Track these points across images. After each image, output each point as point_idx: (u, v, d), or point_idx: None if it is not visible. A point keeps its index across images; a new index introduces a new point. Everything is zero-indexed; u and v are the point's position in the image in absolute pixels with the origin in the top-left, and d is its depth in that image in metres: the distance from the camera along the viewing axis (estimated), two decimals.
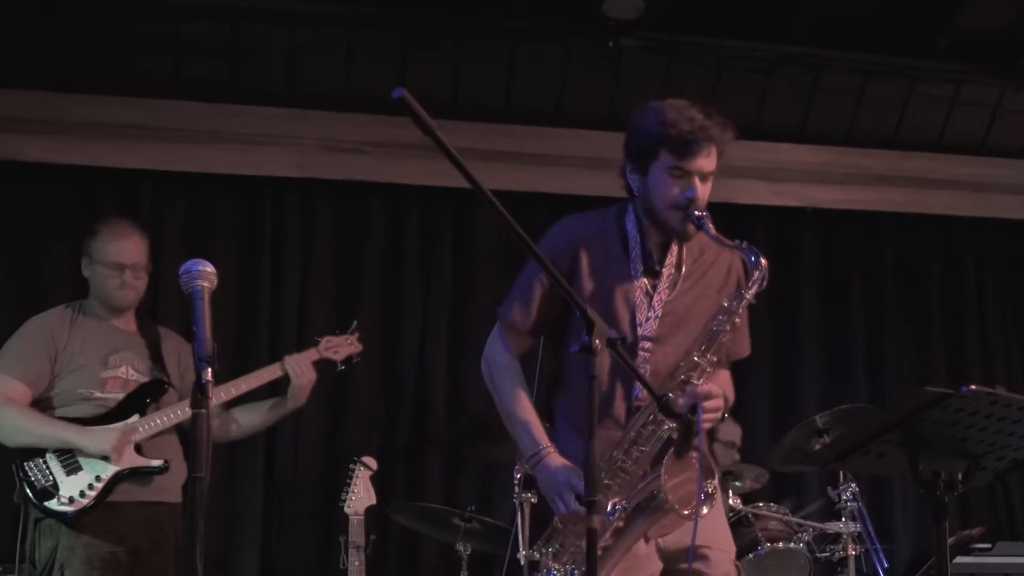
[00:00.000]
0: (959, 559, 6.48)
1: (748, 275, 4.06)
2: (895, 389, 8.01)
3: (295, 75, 7.26)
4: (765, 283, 4.03)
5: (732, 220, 7.43)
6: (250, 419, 5.78)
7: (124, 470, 5.26)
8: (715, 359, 3.99)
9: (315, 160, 7.33)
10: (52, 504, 5.13)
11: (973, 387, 3.37)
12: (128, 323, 5.62)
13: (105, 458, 5.21)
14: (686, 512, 3.82)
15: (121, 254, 5.49)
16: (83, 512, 5.15)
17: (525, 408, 4.13)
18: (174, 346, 5.67)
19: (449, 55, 7.32)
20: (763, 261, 4.01)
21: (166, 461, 5.35)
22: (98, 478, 5.20)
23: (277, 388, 5.86)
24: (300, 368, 5.67)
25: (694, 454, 3.82)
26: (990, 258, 8.39)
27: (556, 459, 3.99)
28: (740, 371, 4.42)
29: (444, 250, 7.59)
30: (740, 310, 4.02)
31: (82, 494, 5.16)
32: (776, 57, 7.59)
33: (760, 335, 4.35)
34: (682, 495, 3.83)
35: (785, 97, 7.80)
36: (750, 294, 4.02)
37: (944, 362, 8.19)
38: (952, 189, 8.17)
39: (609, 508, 3.85)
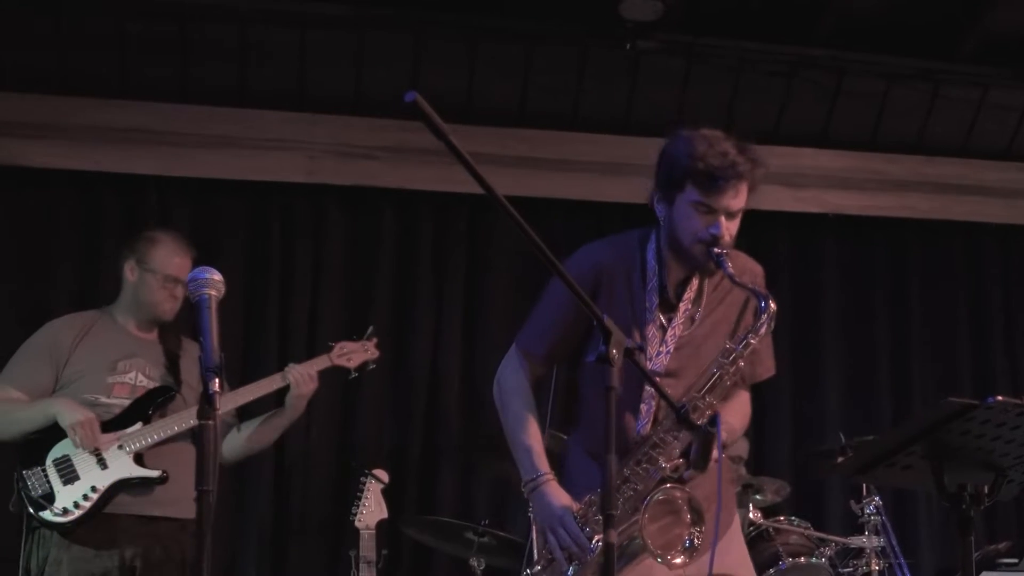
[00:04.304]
0: (985, 574, 6.37)
1: (757, 316, 3.99)
2: (919, 399, 7.93)
3: (305, 78, 7.20)
4: (772, 326, 3.98)
5: (753, 227, 7.31)
6: (243, 435, 5.66)
7: (121, 480, 5.20)
8: (715, 402, 3.93)
9: (325, 165, 7.26)
10: (46, 515, 5.10)
11: (1000, 398, 3.34)
12: (149, 332, 5.58)
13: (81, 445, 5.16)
14: (669, 558, 3.80)
15: (181, 269, 5.46)
16: (77, 523, 5.11)
17: (530, 433, 4.10)
18: (195, 357, 5.57)
19: (463, 58, 7.26)
20: (772, 306, 3.95)
21: (164, 471, 5.27)
22: (94, 488, 5.16)
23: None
24: (302, 377, 5.55)
25: (678, 495, 3.83)
26: (1017, 266, 8.27)
27: (554, 488, 4.00)
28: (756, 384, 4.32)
29: (458, 258, 7.53)
30: (744, 353, 3.94)
31: (76, 505, 5.12)
32: (798, 60, 7.53)
33: (781, 344, 4.27)
34: (665, 540, 3.82)
35: (807, 101, 7.73)
36: (755, 340, 3.96)
37: (970, 372, 8.10)
38: (978, 195, 8.09)
39: (592, 544, 3.82)
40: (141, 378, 5.41)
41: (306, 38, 7.04)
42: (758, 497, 6.55)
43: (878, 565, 6.27)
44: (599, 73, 7.40)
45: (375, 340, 5.90)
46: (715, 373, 3.91)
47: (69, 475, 5.14)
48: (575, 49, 7.33)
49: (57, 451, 5.16)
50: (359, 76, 7.21)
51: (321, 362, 5.70)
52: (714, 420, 3.79)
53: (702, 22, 7.24)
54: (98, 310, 5.63)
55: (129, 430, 5.26)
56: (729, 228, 3.92)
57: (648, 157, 4.13)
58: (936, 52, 7.58)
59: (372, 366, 5.92)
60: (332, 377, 5.78)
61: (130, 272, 5.51)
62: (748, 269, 4.12)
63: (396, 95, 2.77)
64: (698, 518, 3.82)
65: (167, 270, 5.45)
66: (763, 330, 3.94)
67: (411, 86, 2.91)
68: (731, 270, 3.87)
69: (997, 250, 8.26)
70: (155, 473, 5.25)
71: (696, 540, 3.81)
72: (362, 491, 5.98)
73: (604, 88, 7.47)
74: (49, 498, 5.09)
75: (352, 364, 5.82)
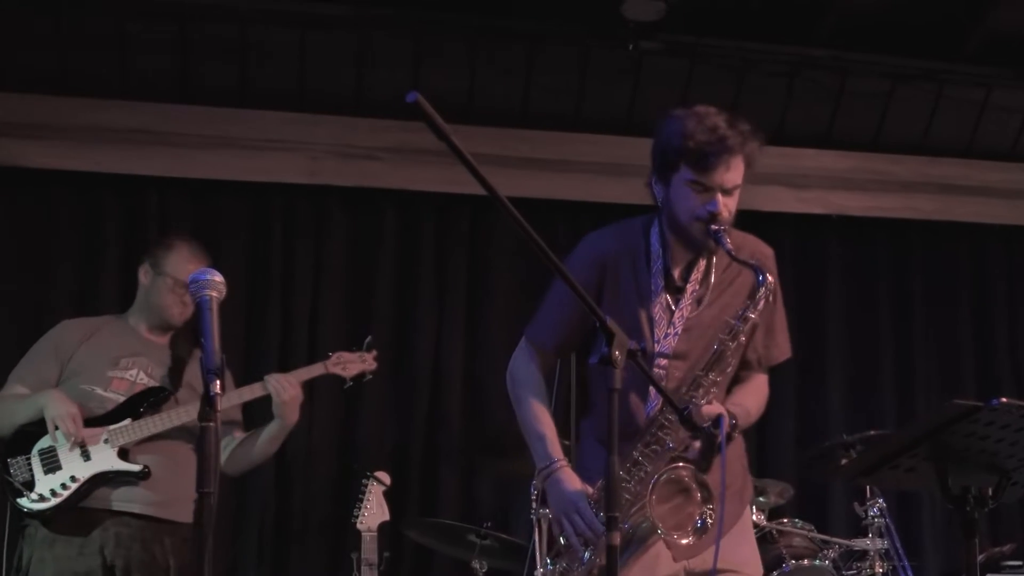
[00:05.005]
0: None
1: (756, 291, 3.97)
2: (923, 401, 7.91)
3: (306, 79, 7.17)
4: (771, 299, 3.98)
5: (756, 228, 7.28)
6: (241, 448, 5.64)
7: (101, 472, 5.20)
8: (719, 379, 3.93)
9: (327, 166, 7.24)
10: (23, 502, 5.14)
11: (1004, 399, 3.35)
12: (160, 336, 5.61)
13: (58, 430, 5.16)
14: (676, 536, 3.80)
15: None
16: (56, 512, 5.13)
17: (543, 422, 4.12)
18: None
19: (465, 58, 7.24)
20: (770, 279, 3.93)
21: (146, 467, 5.26)
22: (73, 478, 5.17)
23: None
24: (281, 385, 5.50)
25: (685, 474, 3.83)
26: (1021, 266, 8.24)
27: (568, 475, 4.00)
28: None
29: (460, 258, 7.51)
30: (745, 328, 3.94)
31: (53, 492, 5.14)
32: (801, 60, 7.50)
33: None
34: (676, 521, 3.83)
35: (810, 101, 7.70)
36: (754, 313, 3.94)
37: (974, 373, 8.07)
38: (982, 196, 8.06)
39: (602, 528, 3.81)
40: (142, 376, 5.43)
41: (307, 38, 7.01)
42: (762, 499, 6.51)
43: (882, 568, 6.23)
44: (601, 73, 7.37)
45: (374, 352, 5.87)
46: (716, 349, 3.91)
47: (52, 465, 5.17)
48: (577, 49, 7.29)
49: (44, 442, 5.20)
50: (360, 76, 7.18)
51: (316, 370, 5.69)
52: (717, 421, 3.77)
53: (704, 22, 7.21)
54: (112, 315, 5.70)
55: (116, 425, 5.27)
56: (727, 204, 3.90)
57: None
58: (939, 52, 7.55)
59: (369, 376, 5.88)
60: (333, 379, 5.75)
61: (144, 275, 5.56)
62: (758, 251, 4.11)
63: (398, 95, 2.77)
64: (708, 496, 3.82)
65: (178, 275, 5.45)
66: (761, 304, 3.91)
67: (412, 86, 2.89)
68: (729, 246, 3.85)
69: (1001, 251, 8.23)
70: (136, 467, 5.25)
71: (708, 519, 3.80)
72: (363, 493, 5.97)
73: (606, 88, 7.44)
74: (29, 486, 5.13)
75: (347, 374, 5.78)
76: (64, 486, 5.13)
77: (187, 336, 5.66)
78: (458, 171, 2.81)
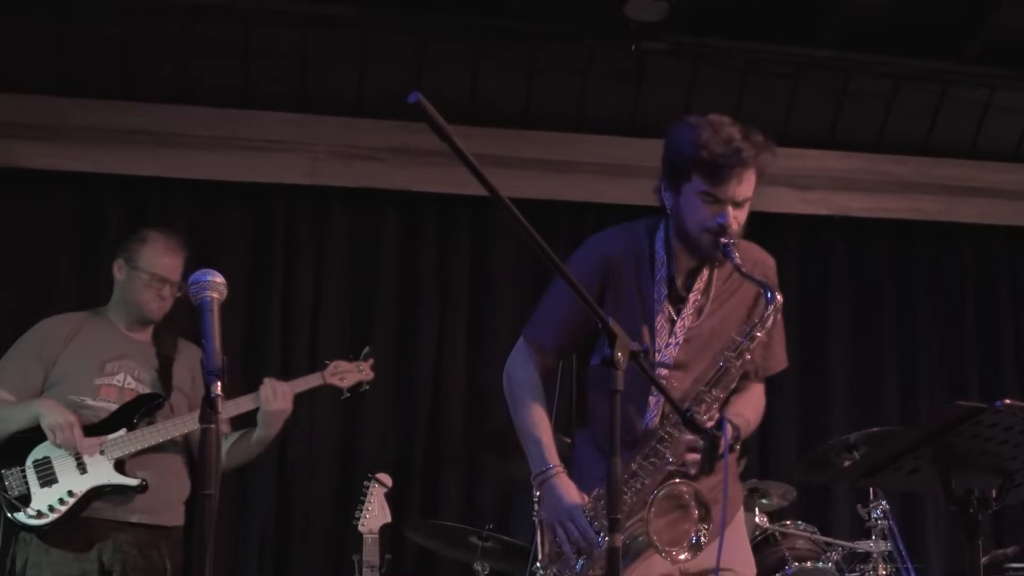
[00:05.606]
0: None
1: (764, 308, 3.95)
2: (927, 402, 7.88)
3: (307, 79, 7.16)
4: (778, 318, 3.97)
5: (759, 229, 7.26)
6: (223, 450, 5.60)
7: (98, 486, 5.16)
8: (722, 395, 3.92)
9: (328, 167, 7.23)
10: (20, 516, 5.10)
11: (1008, 401, 3.34)
12: (142, 332, 5.55)
13: (56, 440, 5.12)
14: (674, 553, 3.80)
15: (170, 269, 5.46)
16: (53, 526, 5.09)
17: (539, 426, 4.09)
18: (190, 360, 5.52)
19: (467, 58, 7.23)
20: (778, 298, 3.92)
21: (143, 480, 5.22)
22: (71, 492, 5.13)
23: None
24: (274, 393, 5.44)
25: (685, 491, 3.83)
26: None
27: (564, 483, 3.99)
28: (767, 381, 4.30)
29: (461, 260, 7.49)
30: (751, 346, 3.92)
31: (51, 508, 5.10)
32: (805, 61, 7.48)
33: (787, 346, 4.22)
34: (672, 536, 3.83)
35: (814, 102, 7.67)
36: (760, 332, 3.92)
37: (978, 375, 8.05)
38: (986, 197, 8.03)
39: (599, 538, 3.82)
40: (130, 380, 5.39)
41: (309, 38, 7.00)
42: (764, 501, 6.51)
43: (885, 570, 6.20)
44: (603, 74, 7.35)
45: (371, 361, 5.85)
46: (721, 366, 3.89)
47: (47, 477, 5.12)
48: (580, 50, 7.27)
49: (38, 452, 5.15)
50: (363, 77, 7.17)
51: (313, 380, 5.67)
52: (720, 424, 3.77)
53: (708, 23, 7.19)
54: (91, 311, 5.62)
55: (112, 436, 5.23)
56: (737, 217, 3.89)
57: (654, 159, 4.10)
58: (943, 53, 7.53)
59: (366, 387, 5.87)
60: (325, 392, 5.77)
61: (118, 270, 5.51)
62: (760, 261, 4.11)
63: (399, 96, 2.76)
64: (705, 514, 3.82)
65: (154, 269, 5.42)
66: (769, 322, 3.90)
67: (414, 87, 2.87)
68: (738, 260, 3.84)
69: (1005, 252, 8.21)
70: (134, 482, 5.21)
71: (702, 537, 3.81)
72: (365, 495, 5.97)
73: (609, 89, 7.42)
74: (25, 500, 5.08)
75: (345, 384, 5.77)
76: (62, 501, 5.10)
77: (169, 330, 5.63)
78: (460, 172, 2.80)
